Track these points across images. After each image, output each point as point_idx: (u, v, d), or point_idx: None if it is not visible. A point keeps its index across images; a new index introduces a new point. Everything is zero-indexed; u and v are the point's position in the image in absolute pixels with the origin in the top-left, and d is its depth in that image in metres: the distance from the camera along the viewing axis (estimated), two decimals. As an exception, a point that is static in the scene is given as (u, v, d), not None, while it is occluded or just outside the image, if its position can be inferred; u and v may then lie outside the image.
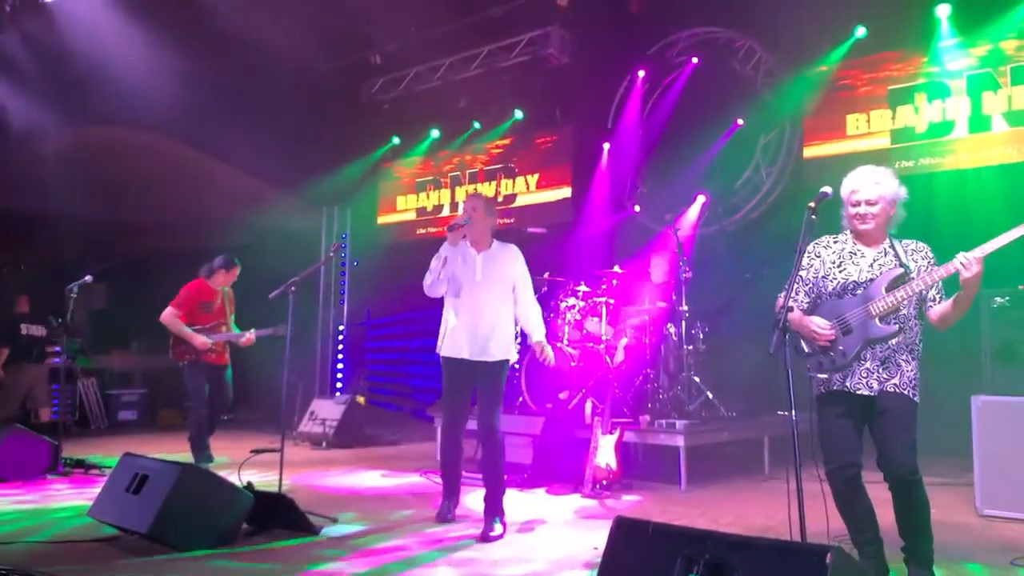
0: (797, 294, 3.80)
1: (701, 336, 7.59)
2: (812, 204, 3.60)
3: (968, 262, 3.36)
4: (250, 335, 7.50)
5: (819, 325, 3.66)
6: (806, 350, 3.75)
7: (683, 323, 7.38)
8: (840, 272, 3.73)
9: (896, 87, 7.97)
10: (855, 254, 3.75)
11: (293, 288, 5.45)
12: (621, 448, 6.40)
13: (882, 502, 3.70)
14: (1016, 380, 5.19)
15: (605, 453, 6.29)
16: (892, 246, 3.72)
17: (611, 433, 6.38)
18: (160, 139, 10.24)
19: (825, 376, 3.71)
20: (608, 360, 7.38)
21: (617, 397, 7.01)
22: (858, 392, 3.63)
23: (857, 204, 3.70)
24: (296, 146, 10.76)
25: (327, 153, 11.71)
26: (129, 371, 11.88)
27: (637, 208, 9.86)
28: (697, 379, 7.31)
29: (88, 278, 7.39)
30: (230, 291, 7.79)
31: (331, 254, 9.83)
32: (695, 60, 9.50)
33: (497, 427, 5.08)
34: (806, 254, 3.83)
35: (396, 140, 12.42)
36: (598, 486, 6.17)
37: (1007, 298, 5.32)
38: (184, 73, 9.81)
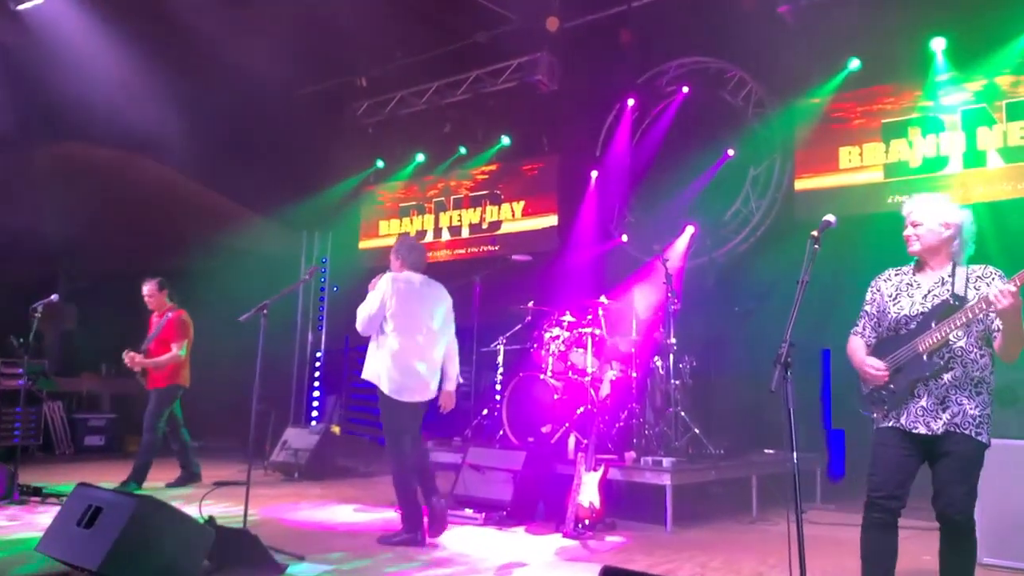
0: (864, 329, 3.73)
1: (688, 370, 7.37)
2: (815, 233, 3.47)
3: (996, 296, 3.19)
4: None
5: (872, 365, 3.56)
6: (863, 391, 3.65)
7: (671, 356, 7.17)
8: (895, 306, 3.60)
9: (890, 120, 7.85)
10: (911, 285, 3.61)
11: (264, 312, 5.22)
12: (605, 486, 6.14)
13: (903, 554, 3.54)
14: (1018, 423, 4.98)
15: (588, 491, 6.01)
16: (952, 274, 3.53)
17: (595, 470, 6.11)
18: (136, 158, 9.99)
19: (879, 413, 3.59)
20: (593, 393, 7.14)
21: (602, 432, 6.75)
22: (915, 431, 3.47)
23: (905, 227, 3.60)
24: (277, 168, 10.53)
25: (309, 176, 11.48)
26: (98, 395, 11.49)
27: (624, 238, 9.67)
28: (684, 415, 7.08)
29: (54, 297, 7.11)
30: (170, 316, 7.66)
31: (306, 277, 9.58)
32: (685, 89, 9.39)
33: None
34: (869, 288, 3.76)
35: (380, 164, 12.22)
36: (580, 525, 5.89)
37: (1007, 338, 5.13)
38: (162, 92, 9.57)
